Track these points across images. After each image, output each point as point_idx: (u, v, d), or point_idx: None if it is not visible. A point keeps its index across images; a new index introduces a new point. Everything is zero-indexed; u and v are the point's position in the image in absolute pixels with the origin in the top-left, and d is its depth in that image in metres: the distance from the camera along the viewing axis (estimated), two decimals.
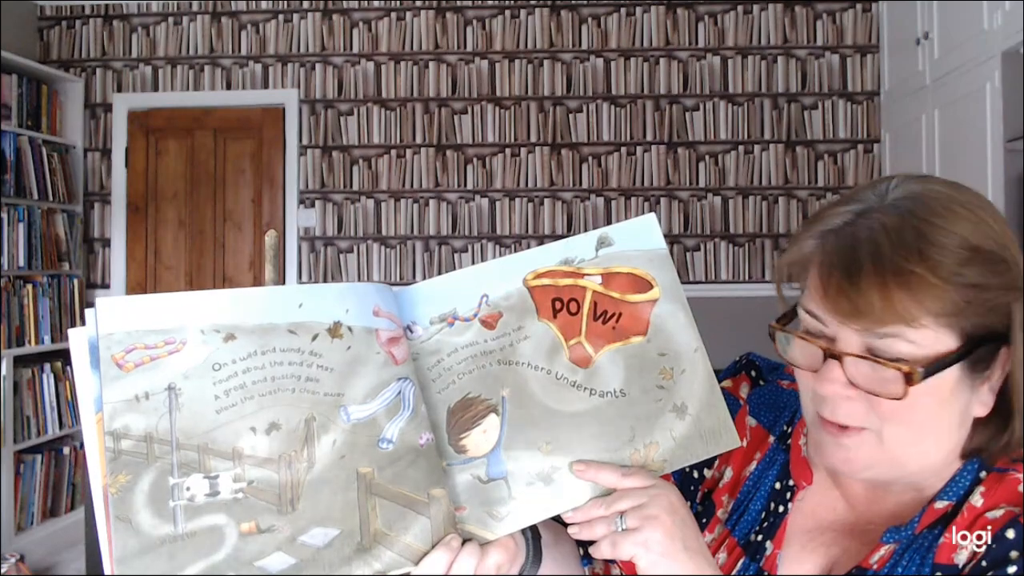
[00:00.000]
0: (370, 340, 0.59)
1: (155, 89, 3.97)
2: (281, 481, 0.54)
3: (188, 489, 0.52)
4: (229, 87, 3.95)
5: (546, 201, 3.85)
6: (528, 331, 0.65)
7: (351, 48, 3.92)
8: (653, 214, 0.70)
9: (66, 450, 3.67)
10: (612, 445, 0.64)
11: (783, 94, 3.81)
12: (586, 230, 3.39)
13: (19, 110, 3.57)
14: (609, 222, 3.78)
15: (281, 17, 3.94)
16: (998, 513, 0.58)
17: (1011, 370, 0.60)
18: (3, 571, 2.80)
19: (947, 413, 0.60)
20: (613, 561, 0.78)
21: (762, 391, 0.78)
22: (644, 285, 0.67)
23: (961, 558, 0.58)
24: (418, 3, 3.90)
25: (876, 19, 3.74)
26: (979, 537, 0.58)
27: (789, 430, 0.74)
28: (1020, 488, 0.59)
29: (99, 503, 0.50)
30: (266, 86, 3.93)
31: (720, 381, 0.72)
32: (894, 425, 0.60)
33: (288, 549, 0.53)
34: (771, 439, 0.75)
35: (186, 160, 3.95)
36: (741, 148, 3.82)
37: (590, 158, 3.85)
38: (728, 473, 0.75)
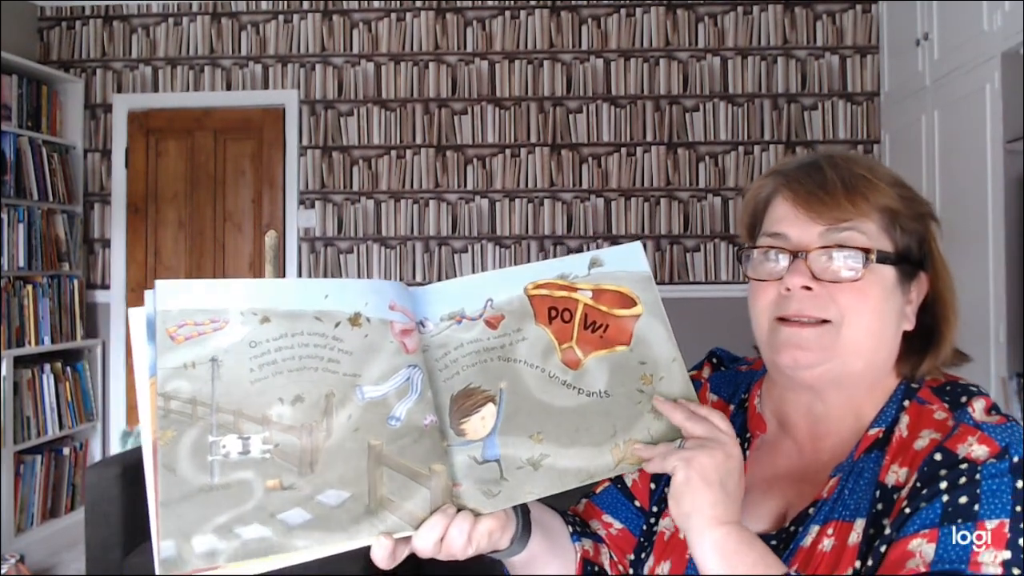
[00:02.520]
0: (385, 330, 0.67)
1: (155, 90, 3.97)
2: (302, 446, 0.62)
3: (224, 447, 0.60)
4: (229, 88, 3.95)
5: (546, 202, 3.85)
6: (526, 333, 0.73)
7: (351, 49, 3.92)
8: (640, 243, 0.79)
9: (66, 450, 3.67)
10: (596, 439, 0.71)
11: (783, 95, 3.81)
12: (586, 230, 3.39)
13: (19, 111, 3.57)
14: (609, 222, 3.80)
15: (281, 18, 3.94)
16: (924, 443, 0.68)
17: (937, 295, 0.75)
18: (3, 571, 2.80)
19: (889, 309, 0.72)
20: (602, 540, 0.86)
21: (722, 374, 0.90)
22: (629, 302, 0.76)
23: (896, 479, 0.68)
24: (418, 4, 3.91)
25: (876, 20, 3.75)
26: (912, 465, 0.67)
27: (745, 396, 0.85)
28: (935, 417, 0.70)
29: (148, 457, 0.58)
30: (266, 87, 3.93)
31: (689, 371, 0.82)
32: (851, 315, 0.70)
33: (306, 506, 0.61)
34: (731, 407, 0.86)
35: (186, 161, 3.96)
36: (741, 149, 3.82)
37: (590, 159, 3.85)
38: None
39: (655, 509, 0.84)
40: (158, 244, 3.96)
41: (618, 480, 0.88)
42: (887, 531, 0.66)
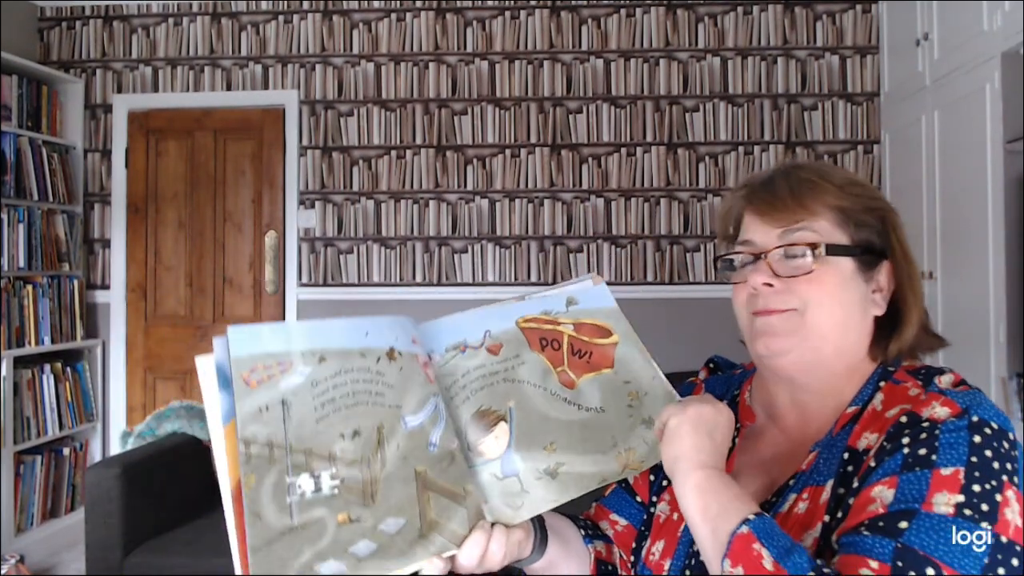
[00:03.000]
0: (414, 363, 0.72)
1: (155, 90, 3.97)
2: (364, 479, 0.65)
3: (299, 487, 0.62)
4: (229, 88, 3.95)
5: (546, 202, 3.85)
6: (524, 358, 0.79)
7: (351, 49, 3.92)
8: (604, 283, 0.87)
9: (66, 451, 3.67)
10: (600, 448, 0.77)
11: (783, 95, 3.81)
12: (586, 230, 3.39)
13: (19, 111, 3.57)
14: (609, 222, 3.80)
15: (281, 18, 3.94)
16: (894, 411, 0.74)
17: (898, 281, 0.81)
18: (3, 572, 2.80)
19: (849, 297, 0.79)
20: (611, 540, 0.93)
21: (717, 377, 0.98)
22: (606, 332, 0.84)
23: (867, 443, 0.74)
24: (418, 4, 3.91)
25: (876, 20, 3.75)
26: (882, 430, 0.73)
27: (737, 392, 0.93)
28: (910, 393, 0.75)
29: (229, 501, 0.60)
30: (266, 87, 3.93)
31: (689, 377, 0.96)
32: (812, 303, 0.78)
33: (371, 536, 0.64)
34: (724, 402, 0.90)
35: (186, 161, 3.96)
36: (741, 149, 3.82)
37: (590, 159, 3.85)
38: None
39: (654, 499, 0.91)
40: (158, 244, 3.96)
41: (622, 480, 0.94)
42: (855, 485, 0.71)
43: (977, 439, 0.67)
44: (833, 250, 0.78)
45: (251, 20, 3.95)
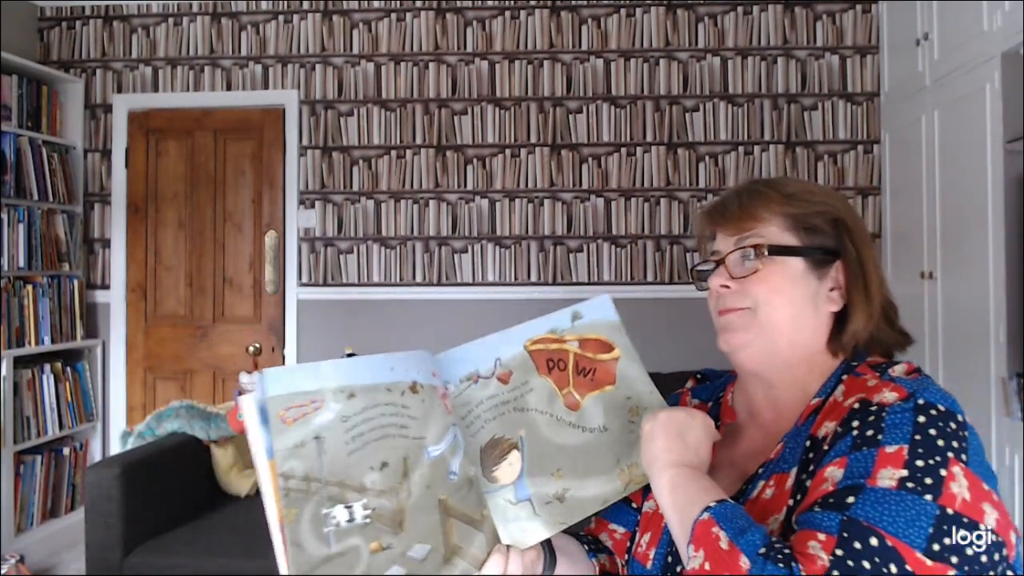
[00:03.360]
0: (434, 395, 0.75)
1: (155, 90, 3.97)
2: (392, 508, 0.69)
3: (334, 517, 0.66)
4: (229, 88, 3.95)
5: (546, 202, 3.85)
6: (532, 384, 0.84)
7: (351, 49, 3.92)
8: (608, 296, 0.92)
9: (66, 451, 3.67)
10: (604, 468, 0.83)
11: (783, 95, 3.81)
12: (586, 230, 3.40)
13: (19, 111, 3.57)
14: (609, 222, 3.80)
15: (281, 18, 3.94)
16: (851, 400, 0.78)
17: (847, 279, 0.87)
18: (3, 572, 2.80)
19: (798, 294, 0.86)
20: (612, 552, 0.98)
21: (704, 386, 1.05)
22: (608, 347, 0.89)
23: (825, 431, 0.78)
24: (418, 4, 3.90)
25: (876, 20, 3.75)
26: (837, 417, 0.78)
27: (721, 394, 1.00)
28: (868, 384, 0.79)
29: (276, 532, 0.64)
30: (266, 87, 3.93)
31: (679, 388, 1.05)
32: (763, 300, 0.85)
33: (401, 562, 0.68)
34: (709, 404, 1.01)
35: (186, 161, 3.96)
36: (741, 149, 3.82)
37: (590, 159, 3.85)
38: None
39: (646, 498, 0.96)
40: (158, 244, 3.96)
41: None
42: (812, 468, 0.77)
43: (922, 419, 0.72)
44: (776, 250, 0.86)
45: (251, 20, 3.95)
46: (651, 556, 0.88)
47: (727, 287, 0.87)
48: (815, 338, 0.87)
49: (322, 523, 0.65)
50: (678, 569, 0.84)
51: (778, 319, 0.85)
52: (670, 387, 1.04)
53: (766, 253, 0.85)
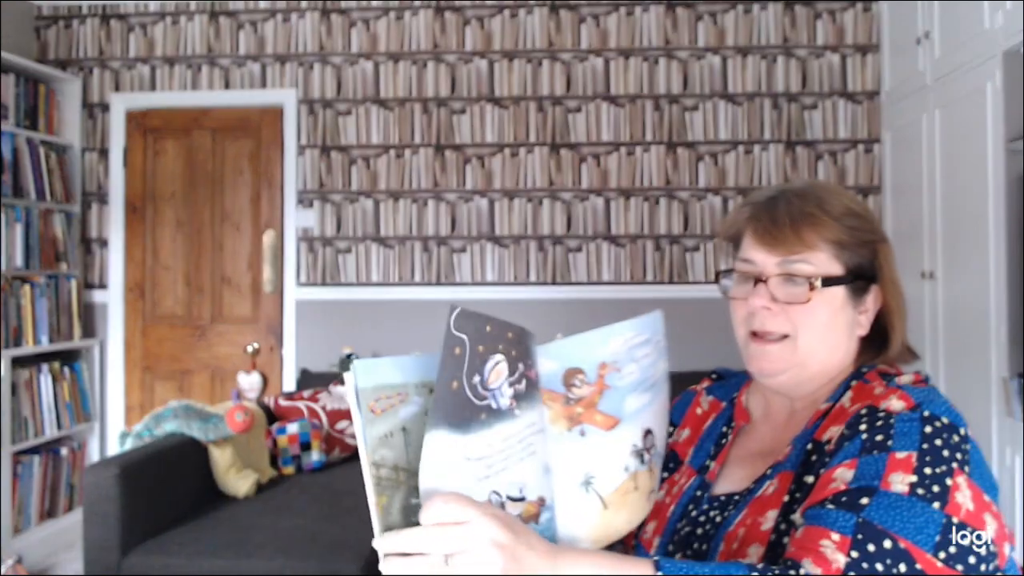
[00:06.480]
0: None
1: (153, 89, 3.96)
2: None
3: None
4: (227, 87, 3.94)
5: (545, 201, 3.84)
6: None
7: (349, 48, 3.91)
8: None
9: (64, 451, 3.66)
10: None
11: (783, 94, 3.80)
12: (585, 230, 3.36)
13: (16, 110, 3.56)
14: (609, 222, 3.80)
15: (279, 16, 3.93)
16: (857, 406, 0.80)
17: (883, 303, 0.89)
18: (1, 572, 2.79)
19: (838, 323, 0.87)
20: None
21: (719, 384, 1.06)
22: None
23: (830, 435, 0.81)
24: (417, 2, 3.89)
25: (876, 19, 3.74)
26: (843, 422, 0.80)
27: (735, 395, 1.01)
28: (875, 391, 0.81)
29: (374, 515, 0.66)
30: (264, 86, 3.92)
31: (692, 384, 1.07)
32: (804, 329, 0.85)
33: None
34: (723, 403, 1.02)
35: (184, 160, 3.94)
36: (741, 148, 3.81)
37: (589, 158, 3.84)
38: (686, 433, 1.02)
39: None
40: (156, 244, 3.95)
41: None
42: (816, 470, 0.79)
43: (928, 429, 0.74)
44: (828, 282, 0.85)
45: (249, 19, 3.94)
46: (655, 544, 0.90)
47: (768, 308, 0.87)
48: (845, 361, 0.89)
49: (412, 512, 0.67)
50: (678, 557, 0.86)
51: (816, 348, 0.87)
52: (678, 388, 1.01)
53: (819, 285, 0.85)
